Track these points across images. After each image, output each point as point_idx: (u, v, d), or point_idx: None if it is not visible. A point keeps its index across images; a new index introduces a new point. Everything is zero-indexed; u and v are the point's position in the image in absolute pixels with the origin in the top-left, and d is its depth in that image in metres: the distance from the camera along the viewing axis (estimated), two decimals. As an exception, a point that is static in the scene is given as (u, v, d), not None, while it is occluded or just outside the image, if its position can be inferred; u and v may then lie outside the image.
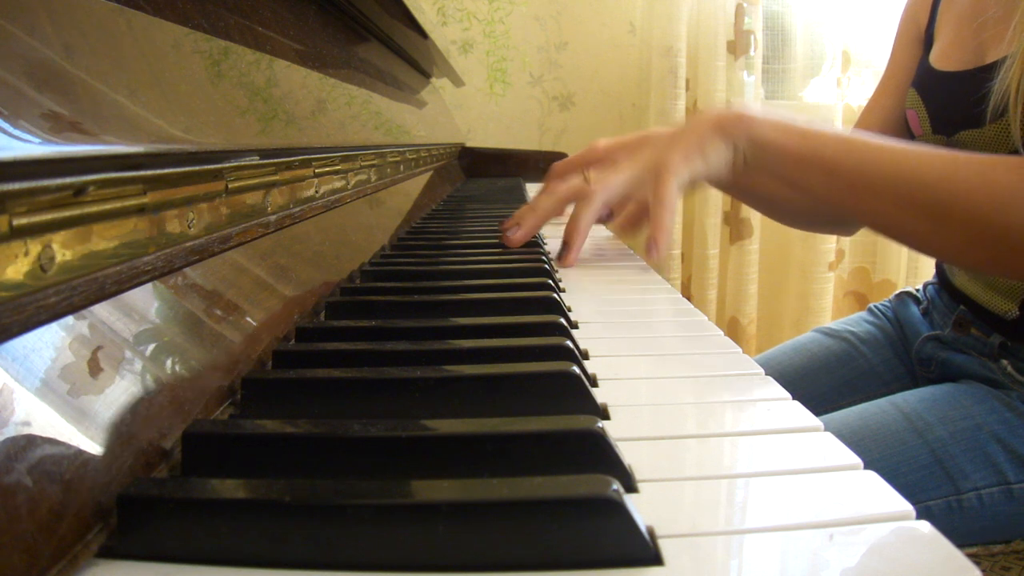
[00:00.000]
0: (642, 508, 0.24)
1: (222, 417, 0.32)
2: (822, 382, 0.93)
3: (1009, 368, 0.74)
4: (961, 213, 0.58)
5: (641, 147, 0.70)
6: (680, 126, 0.68)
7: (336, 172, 0.60)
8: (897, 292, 0.98)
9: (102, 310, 0.27)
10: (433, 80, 1.59)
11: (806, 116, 0.68)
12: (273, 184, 0.46)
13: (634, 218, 0.79)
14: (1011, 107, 0.68)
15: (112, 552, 0.22)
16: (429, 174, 1.15)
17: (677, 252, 1.81)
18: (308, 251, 0.52)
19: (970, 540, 0.69)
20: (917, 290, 0.95)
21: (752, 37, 1.81)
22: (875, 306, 1.00)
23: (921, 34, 0.90)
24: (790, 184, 0.68)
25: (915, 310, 0.92)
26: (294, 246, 0.49)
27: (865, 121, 0.97)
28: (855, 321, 0.99)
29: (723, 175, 0.67)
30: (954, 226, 0.59)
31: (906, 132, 0.88)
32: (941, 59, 0.83)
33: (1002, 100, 0.69)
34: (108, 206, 0.27)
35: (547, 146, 1.94)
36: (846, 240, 1.91)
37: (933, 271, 0.93)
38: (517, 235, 0.71)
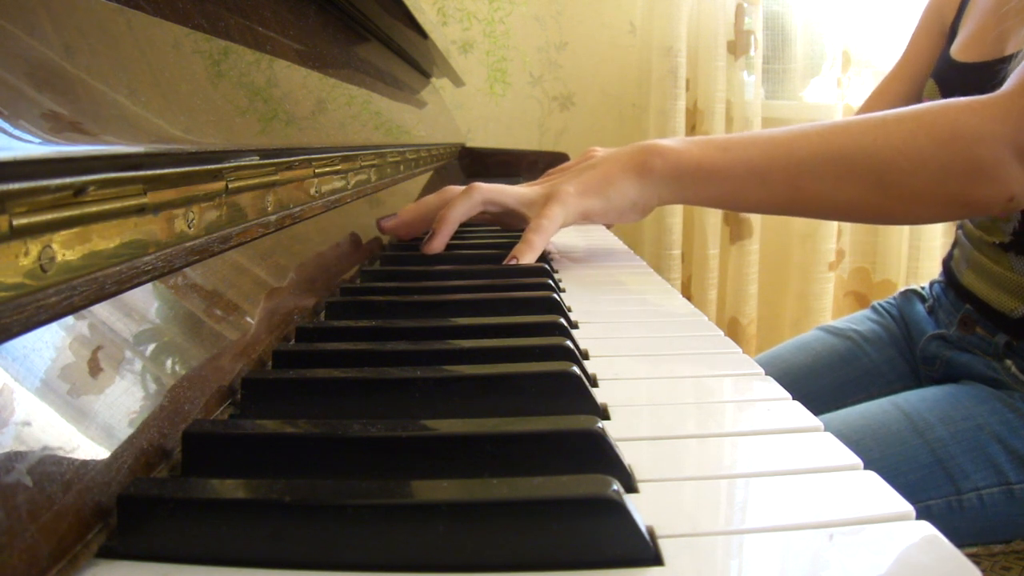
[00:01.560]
0: (642, 508, 0.24)
1: (222, 417, 0.32)
2: (825, 380, 0.93)
3: (1013, 368, 0.74)
4: (898, 172, 0.58)
5: (556, 173, 0.68)
6: (596, 158, 0.65)
7: (336, 172, 0.60)
8: (902, 290, 0.98)
9: (102, 310, 0.27)
10: (433, 80, 1.59)
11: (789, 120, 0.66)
12: (273, 184, 0.46)
13: (502, 219, 0.75)
14: None
15: (112, 552, 0.22)
16: (429, 174, 1.15)
17: (677, 252, 1.81)
18: (308, 251, 0.52)
19: (970, 540, 0.69)
20: (923, 288, 0.95)
21: (752, 37, 1.81)
22: (879, 304, 1.00)
23: (945, 28, 0.90)
24: (723, 199, 0.65)
25: (920, 308, 0.92)
26: (294, 246, 0.49)
27: (872, 105, 0.97)
28: (859, 319, 0.99)
29: (630, 213, 0.65)
30: (896, 188, 0.58)
31: None
32: (962, 51, 0.83)
33: None
34: (108, 206, 0.27)
35: (547, 146, 1.94)
36: (846, 240, 1.91)
37: (934, 271, 0.93)
38: (391, 223, 0.68)
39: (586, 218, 0.65)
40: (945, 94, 0.83)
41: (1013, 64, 0.70)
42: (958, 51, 0.83)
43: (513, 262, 0.61)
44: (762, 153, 0.61)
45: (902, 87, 0.93)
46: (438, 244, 0.65)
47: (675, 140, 0.65)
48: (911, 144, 0.57)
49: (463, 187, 0.68)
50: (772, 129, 0.63)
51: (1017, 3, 0.75)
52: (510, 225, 0.72)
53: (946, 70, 0.84)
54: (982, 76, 0.76)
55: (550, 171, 0.71)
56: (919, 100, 0.89)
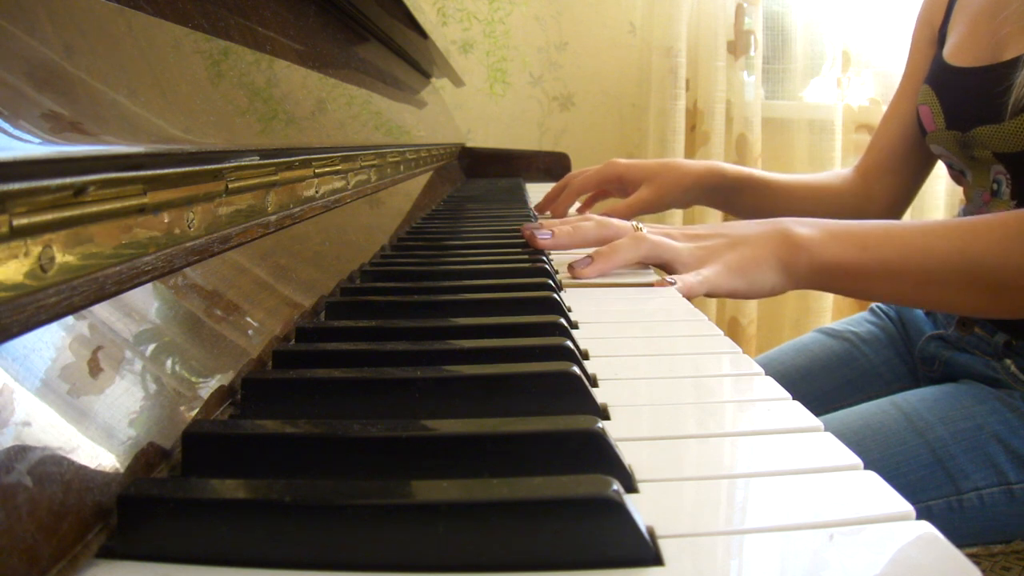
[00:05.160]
0: (642, 508, 0.24)
1: (222, 417, 0.32)
2: (824, 382, 0.93)
3: (1012, 367, 0.74)
4: (1018, 283, 0.61)
5: (700, 237, 0.70)
6: (741, 236, 0.67)
7: (336, 172, 0.60)
8: None
9: (102, 310, 0.27)
10: (433, 80, 1.59)
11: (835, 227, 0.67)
12: (273, 184, 0.46)
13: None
14: None
15: (112, 552, 0.22)
16: (429, 174, 1.15)
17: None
18: (308, 251, 0.52)
19: (970, 540, 0.69)
20: None
21: (752, 37, 1.81)
22: (877, 306, 1.00)
23: (935, 34, 0.90)
24: (851, 294, 0.70)
25: (918, 310, 0.92)
26: (294, 246, 0.49)
27: (885, 127, 0.98)
28: (857, 321, 0.99)
29: (764, 295, 0.67)
30: (1009, 295, 0.62)
31: (920, 129, 0.89)
32: (957, 54, 0.83)
33: (1022, 96, 0.69)
34: (108, 206, 0.27)
35: (547, 146, 1.94)
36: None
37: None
38: (547, 242, 0.70)
39: (729, 294, 0.67)
40: (942, 99, 0.83)
41: (1018, 68, 0.70)
42: (952, 55, 0.83)
43: (671, 279, 0.63)
44: (898, 255, 0.64)
45: (910, 106, 0.93)
46: (591, 275, 0.67)
47: (815, 231, 0.66)
48: None
49: (622, 227, 0.71)
50: (905, 224, 0.66)
51: (1015, 8, 0.75)
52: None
53: (941, 75, 0.84)
54: (982, 81, 0.76)
55: (683, 232, 0.72)
56: None
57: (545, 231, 0.71)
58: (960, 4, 0.86)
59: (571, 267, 0.67)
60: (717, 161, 1.29)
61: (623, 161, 1.05)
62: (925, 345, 0.86)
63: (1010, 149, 0.73)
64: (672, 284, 0.63)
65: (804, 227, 0.66)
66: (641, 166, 1.05)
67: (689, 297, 0.64)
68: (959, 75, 0.81)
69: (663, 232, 0.70)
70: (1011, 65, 0.72)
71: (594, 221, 0.73)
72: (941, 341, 0.84)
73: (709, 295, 0.66)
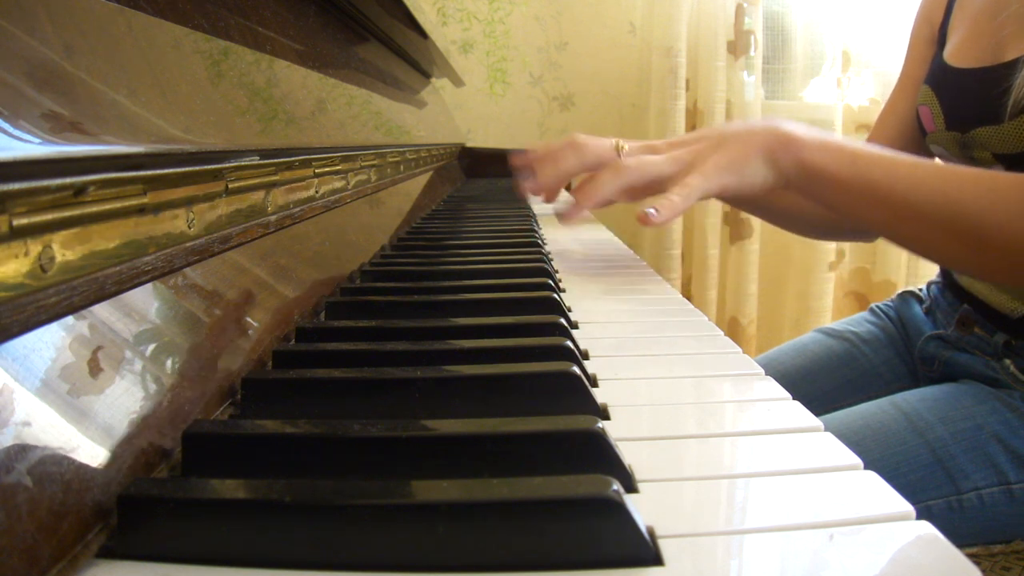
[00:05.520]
0: (642, 508, 0.24)
1: (222, 417, 0.32)
2: (824, 382, 0.93)
3: (1012, 368, 0.74)
4: (1001, 240, 0.59)
5: (690, 143, 0.68)
6: (728, 133, 0.66)
7: (336, 172, 0.60)
8: (900, 291, 0.98)
9: (102, 310, 0.27)
10: (433, 80, 1.59)
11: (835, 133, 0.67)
12: (273, 184, 0.46)
13: (637, 193, 0.75)
14: None
15: (112, 552, 0.22)
16: (429, 174, 1.15)
17: (677, 252, 1.81)
18: (308, 251, 0.52)
19: (970, 540, 0.69)
20: (920, 290, 0.95)
21: (752, 37, 1.81)
22: (877, 306, 1.00)
23: (935, 33, 0.90)
24: (832, 207, 0.67)
25: (918, 309, 0.92)
26: (294, 246, 0.49)
27: (882, 125, 0.97)
28: (857, 321, 0.99)
29: (758, 191, 0.66)
30: (993, 251, 0.60)
31: (919, 131, 0.89)
32: (956, 55, 0.83)
33: (1022, 97, 0.69)
34: (108, 206, 0.27)
35: (547, 146, 1.94)
36: (846, 240, 1.91)
37: (934, 270, 0.93)
38: (532, 185, 0.68)
39: (722, 193, 0.66)
40: (942, 100, 0.83)
41: (1017, 69, 0.70)
42: (952, 55, 0.83)
43: (653, 213, 0.61)
44: (885, 179, 0.62)
45: (908, 104, 0.93)
46: (578, 215, 0.65)
47: (810, 133, 0.65)
48: (1013, 224, 0.58)
49: (601, 149, 0.68)
50: (898, 154, 0.65)
51: (1016, 9, 0.75)
52: (644, 193, 0.72)
53: (941, 76, 0.84)
54: (982, 82, 0.76)
55: (669, 143, 0.70)
56: None
57: (529, 180, 0.69)
58: (960, 4, 0.86)
59: (558, 215, 0.65)
60: None
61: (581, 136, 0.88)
62: (925, 345, 0.86)
63: (1009, 150, 0.73)
64: (655, 214, 0.61)
65: (798, 127, 0.66)
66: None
67: (677, 216, 0.62)
68: (959, 76, 0.81)
69: (646, 148, 0.68)
70: (1011, 66, 0.72)
71: (569, 145, 0.70)
72: (941, 341, 0.84)
73: (703, 198, 0.65)
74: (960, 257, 0.63)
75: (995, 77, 0.73)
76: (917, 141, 0.91)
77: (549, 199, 0.70)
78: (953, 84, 0.82)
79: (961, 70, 0.81)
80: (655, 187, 0.68)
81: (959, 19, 0.85)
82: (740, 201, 0.87)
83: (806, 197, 0.67)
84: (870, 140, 1.00)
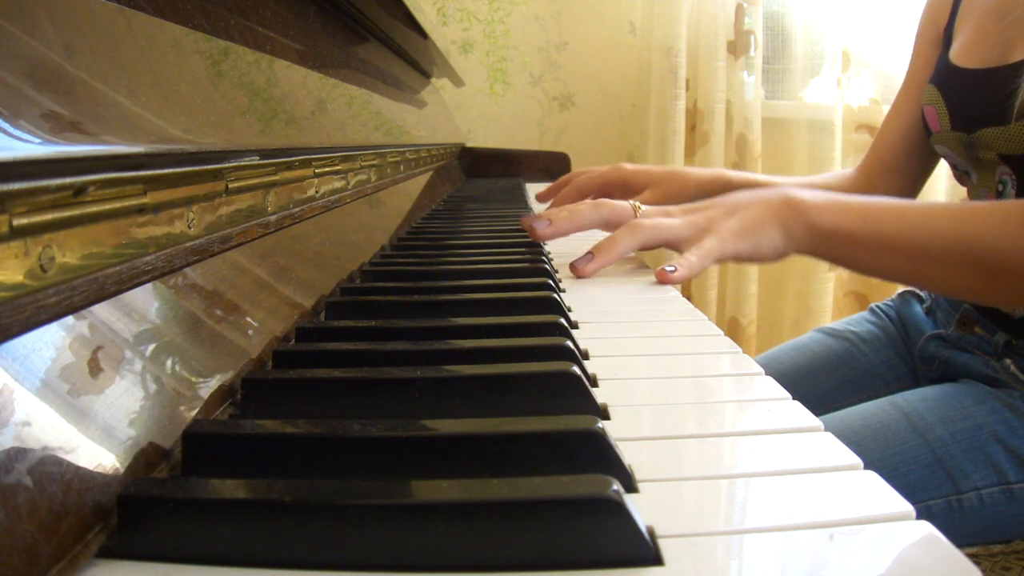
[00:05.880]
0: (642, 508, 0.24)
1: (222, 417, 0.32)
2: (823, 382, 0.93)
3: (1012, 367, 0.74)
4: (1014, 266, 0.60)
5: (697, 210, 0.70)
6: (741, 202, 0.68)
7: (336, 172, 0.60)
8: (900, 291, 0.98)
9: (102, 310, 0.27)
10: (433, 80, 1.59)
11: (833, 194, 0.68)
12: (273, 184, 0.46)
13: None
14: None
15: (112, 552, 0.22)
16: (429, 174, 1.15)
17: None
18: (308, 251, 0.52)
19: (970, 540, 0.69)
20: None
21: (752, 37, 1.81)
22: (877, 305, 1.00)
23: (940, 34, 0.90)
24: (849, 265, 0.69)
25: (918, 309, 0.92)
26: (294, 246, 0.49)
27: (889, 127, 0.98)
28: (857, 321, 0.99)
29: (769, 259, 0.67)
30: (1007, 278, 0.61)
31: (925, 132, 0.89)
32: (963, 56, 0.83)
33: None
34: (108, 206, 0.27)
35: (547, 146, 1.94)
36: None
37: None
38: (547, 231, 0.70)
39: (735, 258, 0.67)
40: (948, 100, 0.83)
41: (1022, 71, 0.70)
42: (958, 56, 0.83)
43: (670, 270, 0.63)
44: (896, 229, 0.64)
45: (913, 105, 0.93)
46: (592, 271, 0.67)
47: (817, 196, 0.66)
48: None
49: (620, 208, 0.71)
50: (905, 202, 0.66)
51: (1022, 11, 0.75)
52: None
53: (947, 76, 0.84)
54: (989, 83, 0.76)
55: (683, 208, 0.71)
56: None
57: (543, 220, 0.70)
58: (966, 5, 0.86)
59: (572, 266, 0.67)
60: (723, 169, 1.30)
61: (630, 166, 1.06)
62: (925, 345, 0.86)
63: (1016, 151, 0.73)
64: (672, 272, 0.63)
65: (806, 192, 0.67)
66: (647, 172, 1.05)
67: (693, 276, 0.64)
68: (965, 76, 0.81)
69: (661, 212, 0.70)
70: (1018, 67, 0.72)
71: (590, 203, 0.72)
72: (941, 341, 0.84)
73: (717, 263, 0.66)
74: (976, 289, 0.65)
75: (1002, 78, 0.74)
76: (923, 142, 0.91)
77: (545, 239, 0.72)
78: (959, 84, 0.82)
79: (967, 70, 0.81)
80: (669, 248, 0.69)
81: (965, 20, 0.85)
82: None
83: (821, 259, 0.69)
84: (876, 141, 1.00)
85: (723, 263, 0.68)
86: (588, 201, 0.74)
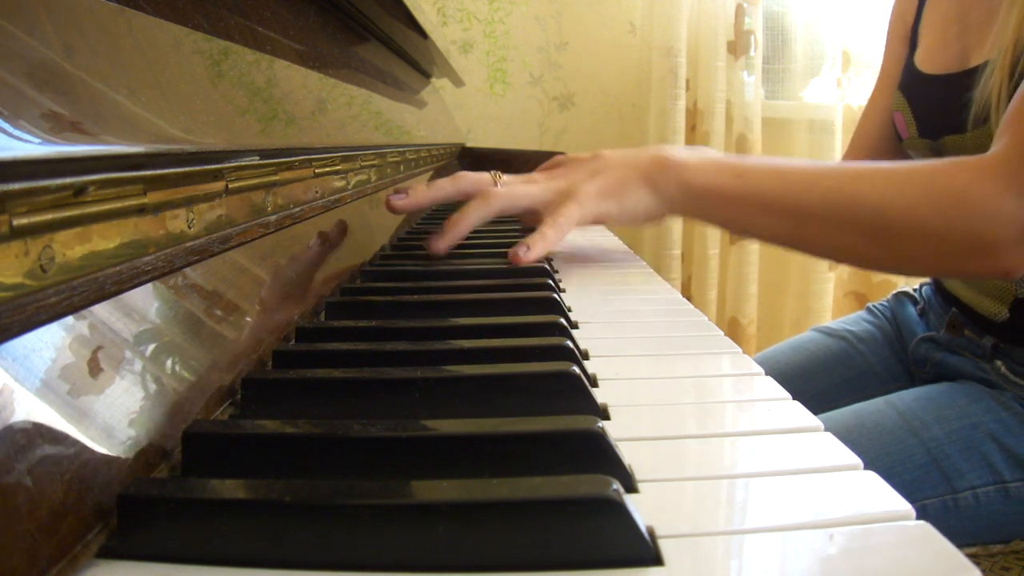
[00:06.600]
0: (642, 508, 0.24)
1: (222, 417, 0.32)
2: (820, 381, 0.93)
3: (1003, 369, 0.74)
4: (907, 228, 0.58)
5: (568, 170, 0.68)
6: (606, 161, 0.65)
7: (336, 172, 0.60)
8: (895, 292, 0.98)
9: (102, 310, 0.27)
10: (433, 80, 1.59)
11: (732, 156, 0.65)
12: (273, 184, 0.46)
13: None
14: (992, 114, 0.68)
15: (112, 552, 0.22)
16: (429, 174, 1.15)
17: (677, 252, 1.81)
18: (308, 251, 0.52)
19: (967, 540, 0.69)
20: (915, 290, 0.95)
21: (752, 37, 1.81)
22: (873, 305, 1.00)
23: (908, 32, 0.89)
24: (724, 224, 0.67)
25: (912, 310, 0.92)
26: (294, 246, 0.49)
27: (865, 123, 0.97)
28: (854, 320, 0.99)
29: (642, 220, 0.65)
30: (901, 241, 0.59)
31: (896, 134, 0.89)
32: (925, 61, 0.82)
33: (983, 108, 0.69)
34: (108, 206, 0.27)
35: (547, 146, 1.94)
36: (846, 240, 1.91)
37: (933, 272, 0.93)
38: (402, 202, 0.67)
39: (600, 221, 0.65)
40: (914, 107, 0.82)
41: (977, 78, 0.69)
42: (922, 61, 0.83)
43: (524, 251, 0.61)
44: (773, 187, 0.61)
45: (887, 102, 0.93)
46: (445, 246, 0.65)
47: (692, 155, 0.64)
48: (915, 210, 0.57)
49: (478, 178, 0.68)
50: (786, 161, 0.64)
51: (979, 15, 0.74)
52: (526, 220, 0.72)
53: (912, 82, 0.83)
54: (948, 89, 0.76)
55: (555, 162, 0.70)
56: None
57: (400, 193, 0.68)
58: (930, 5, 0.86)
59: (428, 246, 0.65)
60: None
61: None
62: (917, 347, 0.86)
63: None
64: (526, 252, 0.60)
65: (680, 150, 0.65)
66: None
67: (552, 248, 0.61)
68: (928, 83, 0.81)
69: (523, 180, 0.68)
70: (973, 73, 0.72)
71: (449, 176, 0.70)
72: (932, 343, 0.84)
73: (580, 226, 0.64)
74: (870, 254, 0.62)
75: (960, 85, 0.73)
76: (896, 144, 0.91)
77: (398, 211, 0.69)
78: (923, 91, 0.81)
79: (929, 76, 0.81)
80: (534, 216, 0.67)
81: (929, 22, 0.85)
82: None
83: (698, 219, 0.66)
84: (854, 138, 0.99)
85: (584, 225, 0.66)
86: (451, 175, 0.71)
